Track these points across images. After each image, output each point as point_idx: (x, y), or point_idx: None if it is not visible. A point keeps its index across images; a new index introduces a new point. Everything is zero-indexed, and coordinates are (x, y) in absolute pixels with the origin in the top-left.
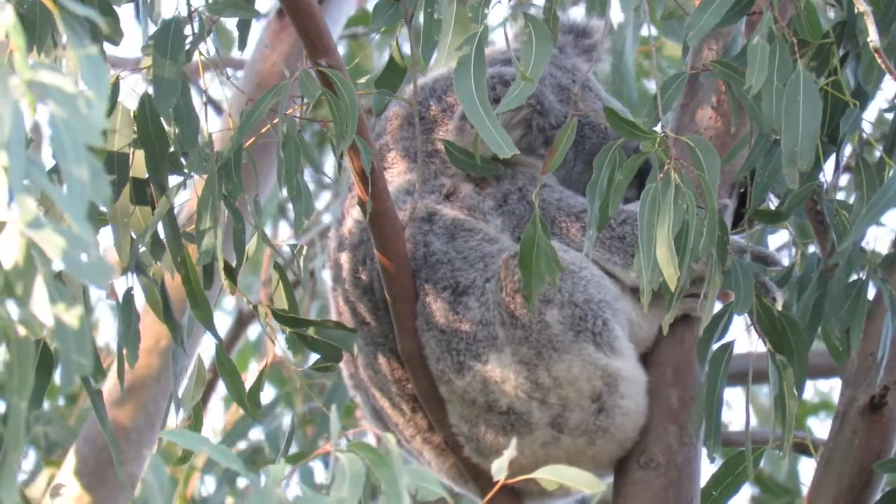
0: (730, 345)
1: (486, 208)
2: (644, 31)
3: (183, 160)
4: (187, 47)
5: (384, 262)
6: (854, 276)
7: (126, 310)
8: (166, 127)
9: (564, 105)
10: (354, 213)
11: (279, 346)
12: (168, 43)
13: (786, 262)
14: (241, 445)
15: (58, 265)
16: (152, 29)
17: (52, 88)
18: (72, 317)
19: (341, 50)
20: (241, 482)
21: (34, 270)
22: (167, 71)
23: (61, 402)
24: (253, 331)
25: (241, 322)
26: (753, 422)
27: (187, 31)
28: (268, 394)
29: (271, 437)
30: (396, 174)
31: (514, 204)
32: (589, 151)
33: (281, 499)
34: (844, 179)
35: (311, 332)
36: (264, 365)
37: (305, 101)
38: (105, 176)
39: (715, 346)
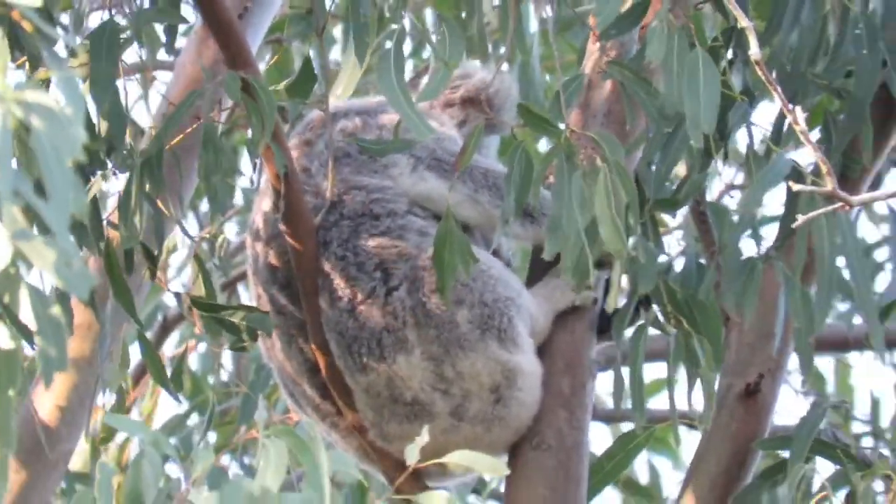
0: (646, 323)
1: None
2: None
3: (108, 159)
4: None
5: (297, 259)
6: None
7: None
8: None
9: None
10: (265, 206)
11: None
12: (103, 43)
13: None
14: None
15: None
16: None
17: (37, 106)
18: (53, 315)
19: (266, 56)
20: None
21: (20, 280)
22: (103, 69)
23: None
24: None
25: (166, 326)
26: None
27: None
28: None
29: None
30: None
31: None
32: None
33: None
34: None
35: (230, 315)
36: (184, 348)
37: (226, 106)
38: (82, 189)
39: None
